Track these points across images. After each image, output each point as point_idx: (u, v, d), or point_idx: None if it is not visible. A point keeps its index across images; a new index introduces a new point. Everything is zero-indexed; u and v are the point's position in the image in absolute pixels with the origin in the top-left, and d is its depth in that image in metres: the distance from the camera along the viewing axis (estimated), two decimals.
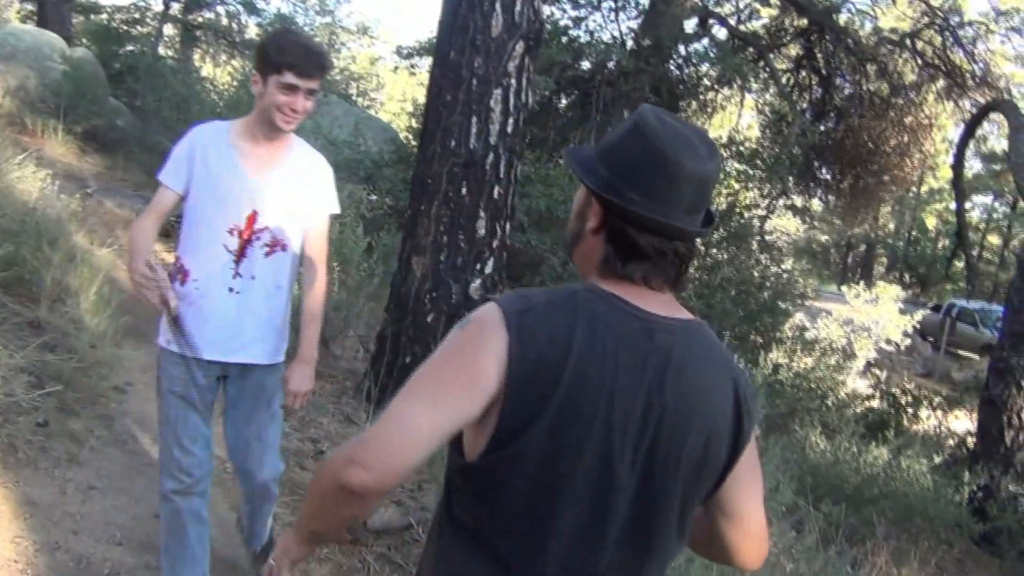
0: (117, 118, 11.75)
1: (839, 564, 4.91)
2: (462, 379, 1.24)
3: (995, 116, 10.96)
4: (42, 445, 3.37)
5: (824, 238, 37.99)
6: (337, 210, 2.76)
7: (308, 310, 2.68)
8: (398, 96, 31.84)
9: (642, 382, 1.25)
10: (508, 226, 4.93)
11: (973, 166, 35.59)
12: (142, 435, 3.92)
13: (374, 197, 8.79)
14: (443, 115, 4.69)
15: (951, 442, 8.64)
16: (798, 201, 15.20)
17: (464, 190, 4.67)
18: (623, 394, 1.24)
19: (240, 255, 2.47)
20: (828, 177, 15.23)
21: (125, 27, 17.06)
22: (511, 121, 4.72)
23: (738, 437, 1.33)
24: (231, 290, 2.47)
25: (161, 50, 17.61)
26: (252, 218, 2.46)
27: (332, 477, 1.22)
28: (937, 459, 7.08)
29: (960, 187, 11.20)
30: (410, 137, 11.22)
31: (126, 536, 3.04)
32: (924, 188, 35.23)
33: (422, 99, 6.63)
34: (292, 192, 2.53)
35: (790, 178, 13.62)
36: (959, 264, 28.78)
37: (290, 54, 2.33)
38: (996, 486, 6.14)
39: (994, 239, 36.60)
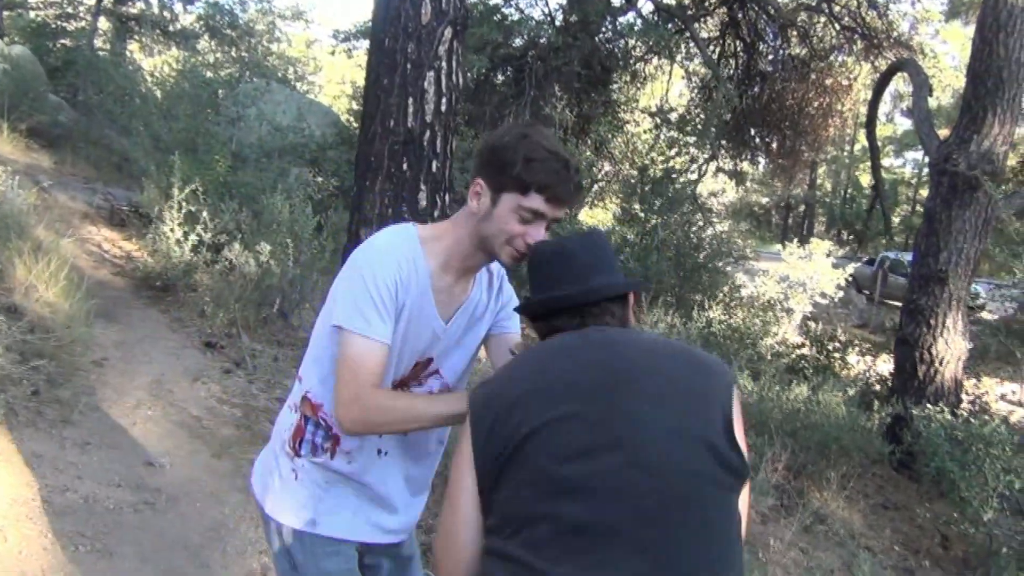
0: (59, 114, 11.89)
1: (764, 486, 5.49)
2: None
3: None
4: (37, 410, 3.77)
5: (764, 200, 39.00)
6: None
7: None
8: (337, 79, 31.87)
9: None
10: (448, 197, 5.37)
11: (903, 123, 36.78)
12: (123, 401, 4.32)
13: (320, 179, 9.15)
14: (381, 98, 5.10)
15: (873, 380, 9.24)
16: (730, 164, 15.80)
17: (405, 166, 5.11)
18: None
19: None
20: (757, 140, 15.84)
21: (59, 22, 17.01)
22: (444, 100, 5.16)
23: None
24: (379, 452, 1.89)
25: (97, 43, 17.57)
26: (423, 364, 1.89)
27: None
28: (852, 392, 7.64)
29: (874, 143, 11.84)
30: (352, 120, 11.53)
31: (123, 479, 3.46)
32: (857, 147, 36.25)
33: (361, 81, 6.98)
34: (476, 324, 1.96)
35: (720, 142, 14.22)
36: (895, 220, 29.82)
37: (544, 171, 1.67)
38: (909, 415, 6.66)
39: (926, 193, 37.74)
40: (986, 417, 6.48)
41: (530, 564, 1.28)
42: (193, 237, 6.33)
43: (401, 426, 1.74)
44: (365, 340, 1.68)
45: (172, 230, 6.28)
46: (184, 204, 6.37)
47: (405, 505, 1.98)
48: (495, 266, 1.98)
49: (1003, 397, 7.07)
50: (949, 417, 5.89)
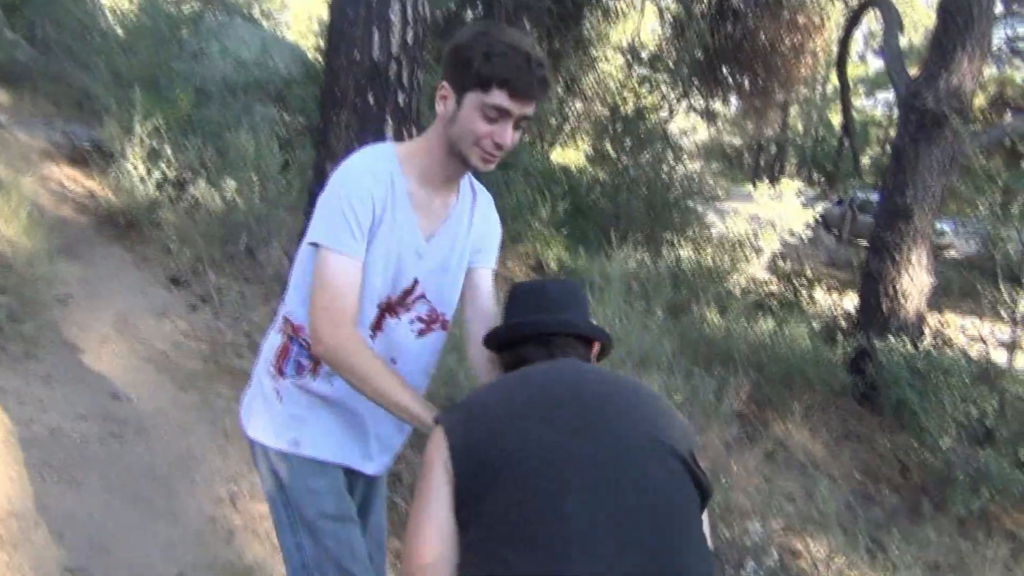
0: (16, 51, 11.55)
1: (728, 414, 5.58)
2: None
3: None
4: (1, 346, 3.73)
5: (736, 141, 38.96)
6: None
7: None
8: (304, 17, 31.22)
9: None
10: (414, 130, 5.32)
11: (875, 63, 36.74)
12: (88, 336, 4.29)
13: (287, 116, 9.01)
14: (346, 29, 5.01)
15: (838, 315, 9.38)
16: (701, 104, 15.74)
17: (371, 99, 5.04)
18: None
19: (376, 327, 1.85)
20: (729, 79, 15.76)
21: None
22: (411, 32, 5.07)
23: None
24: None
25: None
26: (410, 289, 1.86)
27: None
28: (816, 326, 7.77)
29: (845, 82, 11.83)
30: (319, 57, 11.32)
31: (89, 412, 3.47)
32: (829, 88, 36.18)
33: (327, 18, 6.84)
34: (460, 248, 1.91)
35: (692, 81, 14.15)
36: (866, 161, 29.92)
37: (504, 65, 1.61)
38: (872, 348, 6.77)
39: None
40: (947, 349, 6.63)
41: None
42: (157, 174, 6.24)
43: (359, 378, 1.67)
44: (338, 256, 1.67)
45: (135, 167, 6.17)
46: (146, 140, 6.26)
47: (388, 435, 1.97)
48: (480, 189, 1.97)
49: (964, 331, 7.21)
50: (911, 349, 6.01)
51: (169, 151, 6.30)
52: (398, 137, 5.17)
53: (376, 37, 4.98)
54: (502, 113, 1.65)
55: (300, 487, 1.83)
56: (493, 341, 1.74)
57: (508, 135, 1.67)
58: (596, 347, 1.73)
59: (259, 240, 6.23)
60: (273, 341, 1.90)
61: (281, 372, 1.85)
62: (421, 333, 1.90)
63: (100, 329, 4.43)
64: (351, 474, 1.95)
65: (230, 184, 6.00)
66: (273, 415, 1.85)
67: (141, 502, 3.07)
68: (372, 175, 1.72)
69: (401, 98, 5.14)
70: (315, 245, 1.70)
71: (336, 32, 5.15)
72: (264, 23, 21.88)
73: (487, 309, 1.94)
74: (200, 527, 3.03)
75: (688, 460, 1.41)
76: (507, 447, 1.37)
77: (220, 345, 4.63)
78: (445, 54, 1.72)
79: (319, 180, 5.27)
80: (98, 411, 3.52)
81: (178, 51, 8.58)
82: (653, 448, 1.39)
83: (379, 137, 5.09)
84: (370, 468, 1.96)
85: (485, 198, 1.98)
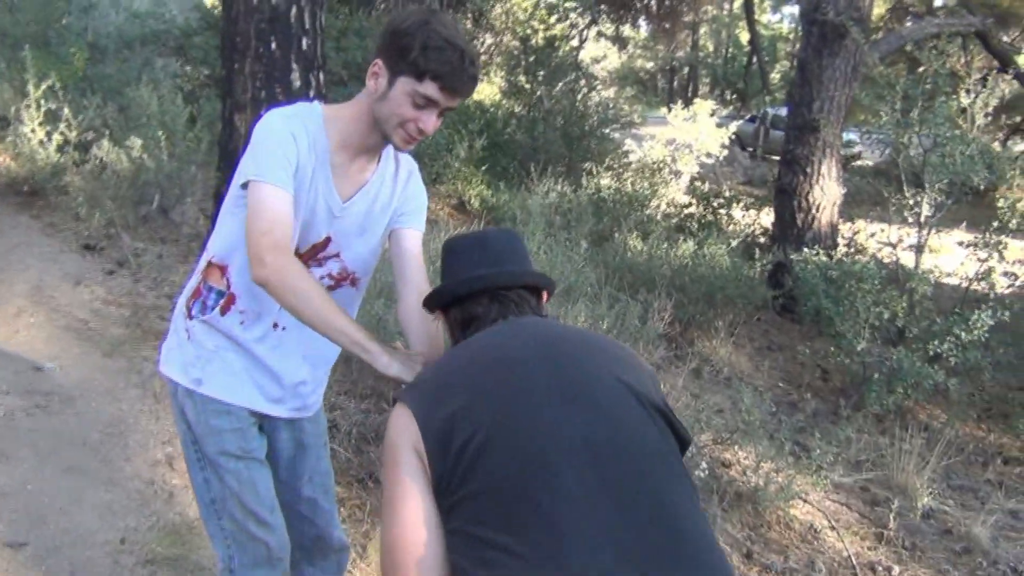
0: None
1: (653, 336, 5.73)
2: None
3: None
4: None
5: (649, 65, 39.05)
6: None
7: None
8: None
9: None
10: (321, 75, 5.22)
11: None
12: (2, 309, 4.18)
13: (189, 68, 8.73)
14: None
15: (756, 231, 9.60)
16: (611, 29, 15.71)
17: (273, 44, 4.93)
18: None
19: None
20: (637, 3, 15.76)
21: None
22: None
23: None
24: (275, 325, 1.90)
25: None
26: (321, 245, 1.91)
27: None
28: (735, 244, 7.96)
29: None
30: (217, 3, 10.95)
31: (11, 386, 3.41)
32: (737, 5, 36.37)
33: None
34: (379, 212, 1.96)
35: (601, 7, 14.09)
36: (776, 76, 30.32)
37: (440, 59, 1.68)
38: (789, 261, 6.96)
39: None
40: (859, 257, 6.86)
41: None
42: (57, 136, 6.01)
43: (303, 300, 1.67)
44: (273, 187, 1.70)
45: (33, 131, 5.94)
46: (42, 102, 6.01)
47: (297, 380, 1.97)
48: (404, 158, 1.99)
49: (872, 236, 7.47)
50: (824, 258, 6.22)
51: (68, 112, 6.07)
52: (304, 83, 5.07)
53: None
54: (430, 103, 1.72)
55: (203, 424, 1.87)
56: (438, 299, 1.65)
57: (432, 123, 1.75)
58: (545, 296, 1.70)
59: (172, 199, 6.09)
60: (188, 286, 1.94)
61: (190, 313, 1.89)
62: (330, 289, 1.91)
63: (15, 301, 4.31)
64: (267, 418, 1.98)
65: (136, 142, 5.83)
66: (180, 351, 1.90)
67: (75, 471, 3.04)
68: (300, 126, 1.77)
69: (305, 43, 5.03)
70: (249, 181, 1.72)
71: None
72: None
73: (415, 270, 1.95)
74: (138, 490, 3.03)
75: (667, 412, 1.39)
76: (487, 421, 1.28)
77: (142, 309, 4.56)
78: (383, 32, 1.77)
79: (228, 132, 5.16)
80: (21, 384, 3.45)
81: (67, 6, 8.20)
82: (638, 406, 1.35)
83: (286, 85, 4.99)
84: (280, 411, 1.98)
85: (407, 167, 2.02)
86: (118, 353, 3.98)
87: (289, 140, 1.74)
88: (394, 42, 1.71)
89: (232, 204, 1.83)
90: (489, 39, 14.32)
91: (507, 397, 1.32)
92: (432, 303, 1.67)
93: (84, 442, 3.22)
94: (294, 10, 4.92)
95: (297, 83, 5.03)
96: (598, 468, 1.23)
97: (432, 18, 1.72)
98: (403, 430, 1.35)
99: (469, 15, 12.64)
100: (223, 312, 1.85)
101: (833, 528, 3.81)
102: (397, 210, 1.98)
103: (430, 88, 1.69)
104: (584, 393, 1.34)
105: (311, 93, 5.10)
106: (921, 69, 6.73)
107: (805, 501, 3.98)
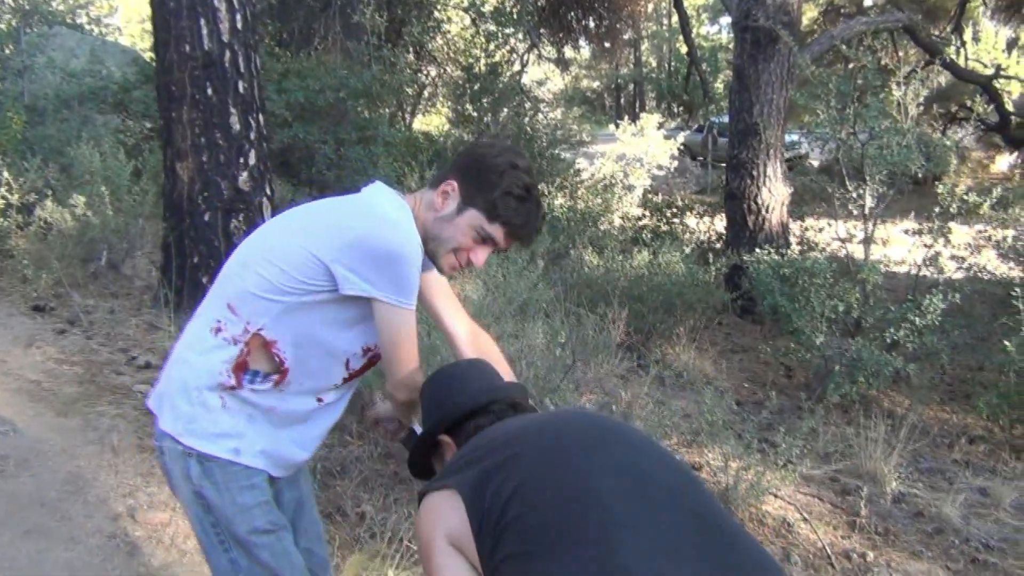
0: None
1: (616, 351, 5.76)
2: None
3: None
4: None
5: (595, 84, 39.50)
6: None
7: None
8: (136, 18, 29.89)
9: None
10: (261, 118, 5.22)
11: None
12: None
13: (130, 122, 8.68)
14: (172, 21, 4.87)
15: (710, 237, 9.72)
16: (552, 52, 15.87)
17: (210, 90, 4.92)
18: None
19: (352, 376, 1.90)
20: (575, 24, 15.94)
21: None
22: (239, 17, 4.96)
23: None
24: (320, 400, 1.88)
25: None
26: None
27: None
28: (687, 250, 8.04)
29: (682, 12, 12.19)
30: (153, 56, 10.92)
31: None
32: (675, 19, 36.94)
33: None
34: None
35: (540, 31, 14.23)
36: (719, 85, 30.74)
37: (519, 210, 1.72)
38: (743, 263, 7.03)
39: None
40: (811, 253, 6.97)
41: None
42: None
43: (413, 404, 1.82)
44: (410, 312, 1.71)
45: None
46: None
47: (317, 447, 1.98)
48: None
49: (821, 231, 7.60)
50: (776, 257, 6.30)
51: (8, 176, 6.01)
52: (244, 125, 5.06)
53: (203, 26, 4.86)
54: (490, 241, 1.75)
55: (229, 504, 1.76)
56: (445, 420, 1.63)
57: (483, 259, 1.78)
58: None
59: (121, 253, 6.04)
60: (222, 350, 1.77)
61: (240, 382, 1.76)
62: (371, 364, 1.93)
63: None
64: (274, 480, 1.90)
65: (79, 200, 5.78)
66: (215, 422, 1.75)
67: (35, 533, 2.98)
68: (418, 240, 1.72)
69: (242, 86, 5.04)
70: (387, 303, 1.69)
71: (161, 25, 4.98)
72: (94, 29, 20.88)
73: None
74: (99, 546, 2.97)
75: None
76: (524, 474, 1.28)
77: (96, 365, 4.49)
78: (466, 154, 1.79)
79: (171, 181, 5.13)
80: None
81: (1, 71, 8.14)
82: (662, 449, 1.39)
83: (225, 129, 4.99)
84: (287, 472, 1.94)
85: None
86: (72, 411, 3.91)
87: (420, 261, 1.70)
88: (478, 174, 1.71)
89: (296, 286, 1.71)
90: (433, 71, 14.40)
91: (537, 454, 1.33)
92: (439, 430, 1.64)
93: (42, 503, 3.16)
94: (228, 55, 4.93)
95: (237, 126, 5.03)
96: (639, 488, 1.25)
97: (519, 161, 1.73)
98: (439, 518, 1.33)
99: (410, 49, 12.71)
100: (276, 385, 1.78)
101: (806, 520, 3.83)
102: None
103: (498, 231, 1.73)
104: (611, 439, 1.35)
105: (252, 135, 5.10)
106: (851, 66, 6.88)
107: (776, 496, 4.00)
